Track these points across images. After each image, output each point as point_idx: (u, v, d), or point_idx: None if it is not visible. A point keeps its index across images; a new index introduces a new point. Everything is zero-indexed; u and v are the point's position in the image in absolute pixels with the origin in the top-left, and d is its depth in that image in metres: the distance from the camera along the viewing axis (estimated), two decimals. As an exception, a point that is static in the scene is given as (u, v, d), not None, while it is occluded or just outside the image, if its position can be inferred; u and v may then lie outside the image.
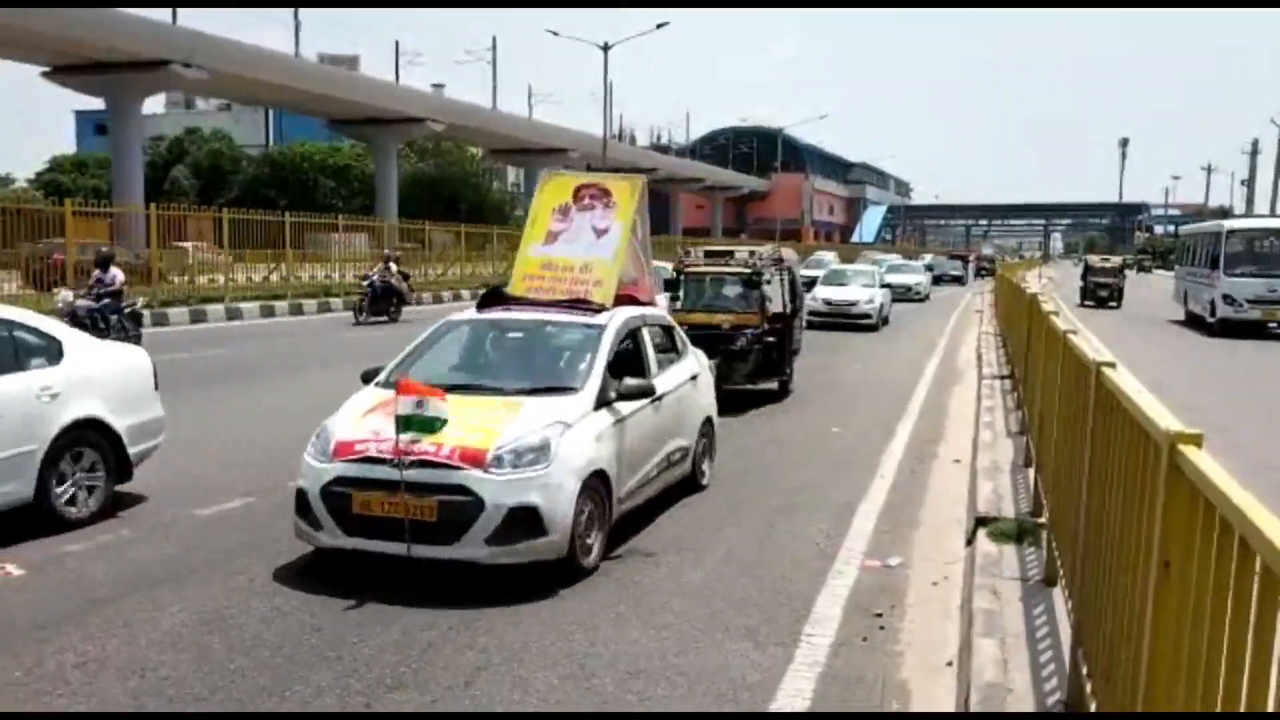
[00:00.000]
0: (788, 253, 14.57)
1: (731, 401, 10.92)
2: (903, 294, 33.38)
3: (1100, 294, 35.47)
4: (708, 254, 13.64)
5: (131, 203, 32.81)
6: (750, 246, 14.78)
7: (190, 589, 5.58)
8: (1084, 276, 37.05)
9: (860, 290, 24.44)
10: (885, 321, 24.87)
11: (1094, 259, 40.08)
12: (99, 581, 5.70)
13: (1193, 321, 27.32)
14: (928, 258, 63.43)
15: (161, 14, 39.89)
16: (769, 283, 13.27)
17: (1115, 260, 39.95)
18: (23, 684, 4.43)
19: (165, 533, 6.67)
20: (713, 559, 6.37)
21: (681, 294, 13.01)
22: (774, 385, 12.95)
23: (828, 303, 23.73)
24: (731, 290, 13.25)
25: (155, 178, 53.10)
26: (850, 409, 12.48)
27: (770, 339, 12.49)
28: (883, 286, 25.47)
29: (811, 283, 26.33)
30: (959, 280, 55.12)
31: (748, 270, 12.78)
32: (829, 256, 47.19)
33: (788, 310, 13.38)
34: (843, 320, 23.13)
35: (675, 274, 13.16)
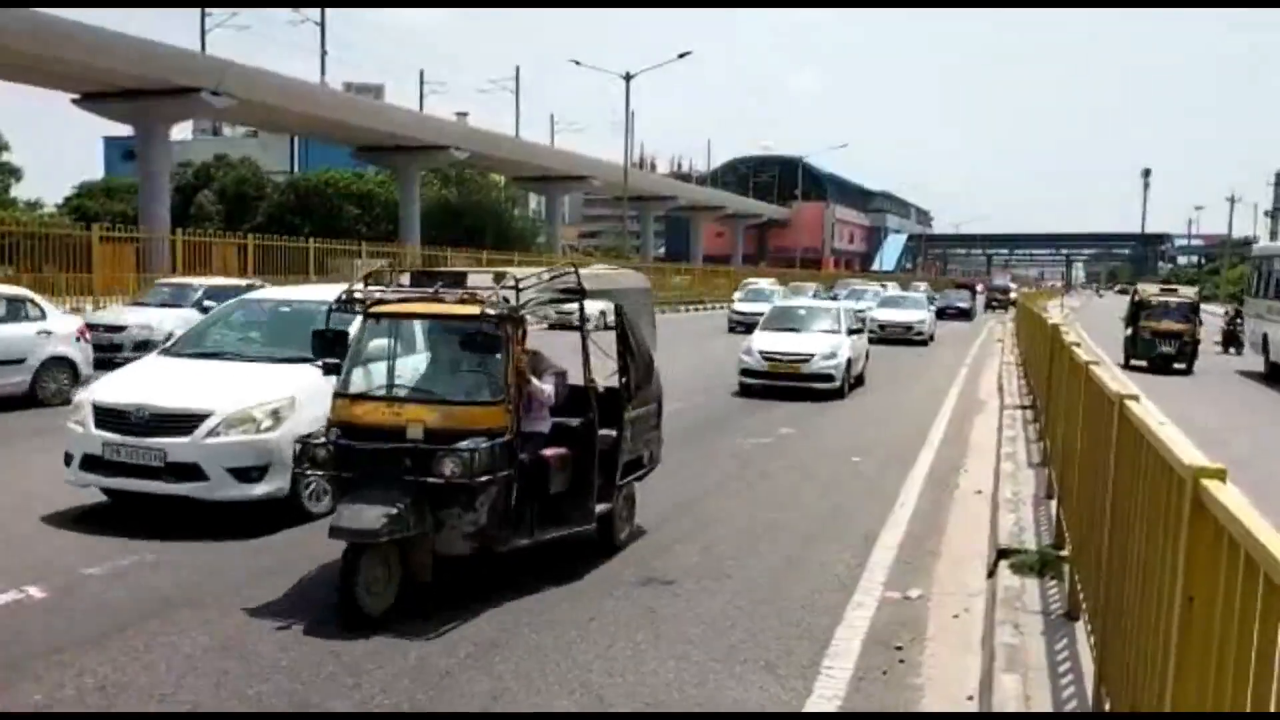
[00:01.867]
0: (626, 276, 8.07)
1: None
2: (901, 334, 28.26)
3: (1162, 350, 22.34)
4: (417, 278, 6.69)
5: (158, 228, 33.19)
6: (507, 268, 7.30)
7: (210, 614, 5.59)
8: (1132, 319, 23.20)
9: (817, 339, 16.76)
10: (859, 382, 17.70)
11: (1149, 289, 25.02)
12: (120, 606, 5.73)
13: (1278, 377, 20.92)
14: (922, 286, 51.91)
15: (189, 39, 40.50)
16: (578, 328, 6.85)
17: (1189, 292, 24.95)
18: (43, 708, 4.45)
19: (187, 557, 6.70)
20: (732, 588, 6.35)
21: (351, 363, 6.37)
22: (581, 532, 6.68)
23: (767, 357, 16.30)
24: (463, 356, 6.41)
25: (183, 203, 53.73)
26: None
27: (550, 454, 6.40)
28: (853, 333, 17.59)
29: (751, 325, 21.09)
30: (965, 315, 45.54)
31: (477, 314, 6.02)
32: (764, 284, 39.08)
33: (618, 386, 7.00)
34: (790, 384, 15.92)
35: (340, 309, 6.57)
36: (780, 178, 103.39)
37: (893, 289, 43.96)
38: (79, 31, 33.70)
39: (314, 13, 48.42)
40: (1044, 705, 4.18)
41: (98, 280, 21.90)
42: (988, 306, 57.05)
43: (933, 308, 32.49)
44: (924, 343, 28.91)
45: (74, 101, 40.15)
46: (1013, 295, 62.32)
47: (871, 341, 24.12)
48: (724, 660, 5.16)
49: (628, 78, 49.09)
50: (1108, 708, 3.64)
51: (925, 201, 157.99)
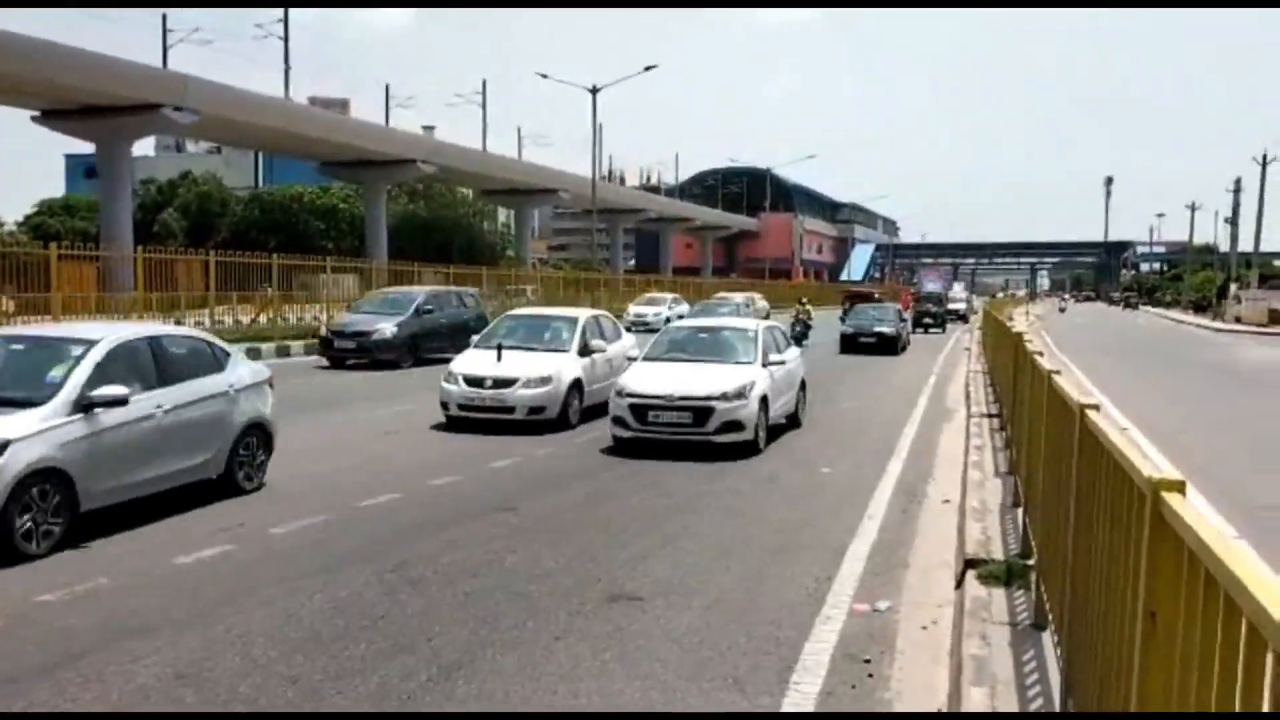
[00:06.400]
0: None
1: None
2: (686, 432, 11.36)
3: None
4: None
5: (120, 246, 32.76)
6: None
7: (166, 640, 5.46)
8: None
9: None
10: None
11: None
12: (74, 633, 5.58)
13: None
14: (737, 299, 35.34)
15: (151, 54, 40.11)
16: None
17: None
18: (-10, 741, 4.29)
19: (143, 581, 6.55)
20: (700, 604, 6.29)
21: None
22: None
23: None
24: None
25: (145, 220, 53.06)
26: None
27: None
28: None
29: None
30: (888, 345, 28.18)
31: None
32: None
33: None
34: None
35: None
36: (748, 189, 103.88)
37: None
38: (39, 48, 33.28)
39: (278, 27, 48.10)
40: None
41: (55, 300, 21.53)
42: (918, 325, 38.85)
43: (781, 356, 13.16)
44: (752, 446, 11.65)
45: (34, 119, 39.64)
46: (959, 307, 51.40)
47: (629, 450, 11.34)
48: (692, 678, 5.09)
49: (594, 91, 49.15)
50: None
51: (892, 212, 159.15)
